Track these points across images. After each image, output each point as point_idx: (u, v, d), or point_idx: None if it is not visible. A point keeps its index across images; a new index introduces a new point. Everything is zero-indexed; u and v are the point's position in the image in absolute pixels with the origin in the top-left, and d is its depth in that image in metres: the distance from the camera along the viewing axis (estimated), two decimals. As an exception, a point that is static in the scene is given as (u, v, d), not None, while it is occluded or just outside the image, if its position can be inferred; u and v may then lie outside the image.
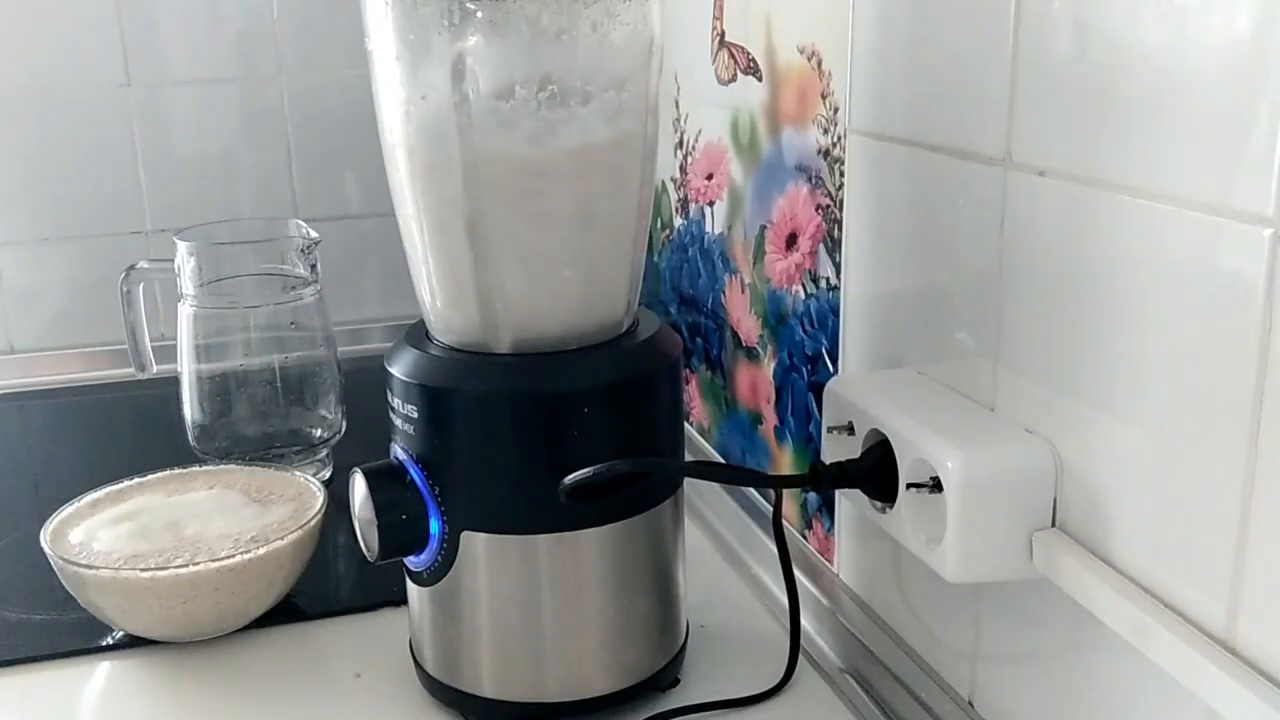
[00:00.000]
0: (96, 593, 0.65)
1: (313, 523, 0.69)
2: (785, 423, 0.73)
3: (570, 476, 0.53)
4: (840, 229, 0.64)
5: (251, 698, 0.64)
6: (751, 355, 0.77)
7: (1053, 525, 0.48)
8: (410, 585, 0.61)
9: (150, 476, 0.76)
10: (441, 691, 0.60)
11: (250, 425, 0.86)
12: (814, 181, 0.66)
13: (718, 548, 0.79)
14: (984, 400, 0.52)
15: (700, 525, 0.82)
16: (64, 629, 0.69)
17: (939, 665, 0.58)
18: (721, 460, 0.84)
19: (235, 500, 0.73)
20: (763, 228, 0.74)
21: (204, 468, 0.77)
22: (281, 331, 0.85)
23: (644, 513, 0.58)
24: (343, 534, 0.75)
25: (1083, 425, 0.46)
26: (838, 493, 0.65)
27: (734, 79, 0.76)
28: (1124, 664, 0.45)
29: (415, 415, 0.56)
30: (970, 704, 0.56)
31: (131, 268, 0.88)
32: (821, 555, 0.70)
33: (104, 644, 0.68)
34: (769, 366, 0.75)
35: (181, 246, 0.84)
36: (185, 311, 0.85)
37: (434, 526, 0.57)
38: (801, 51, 0.66)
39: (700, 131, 0.83)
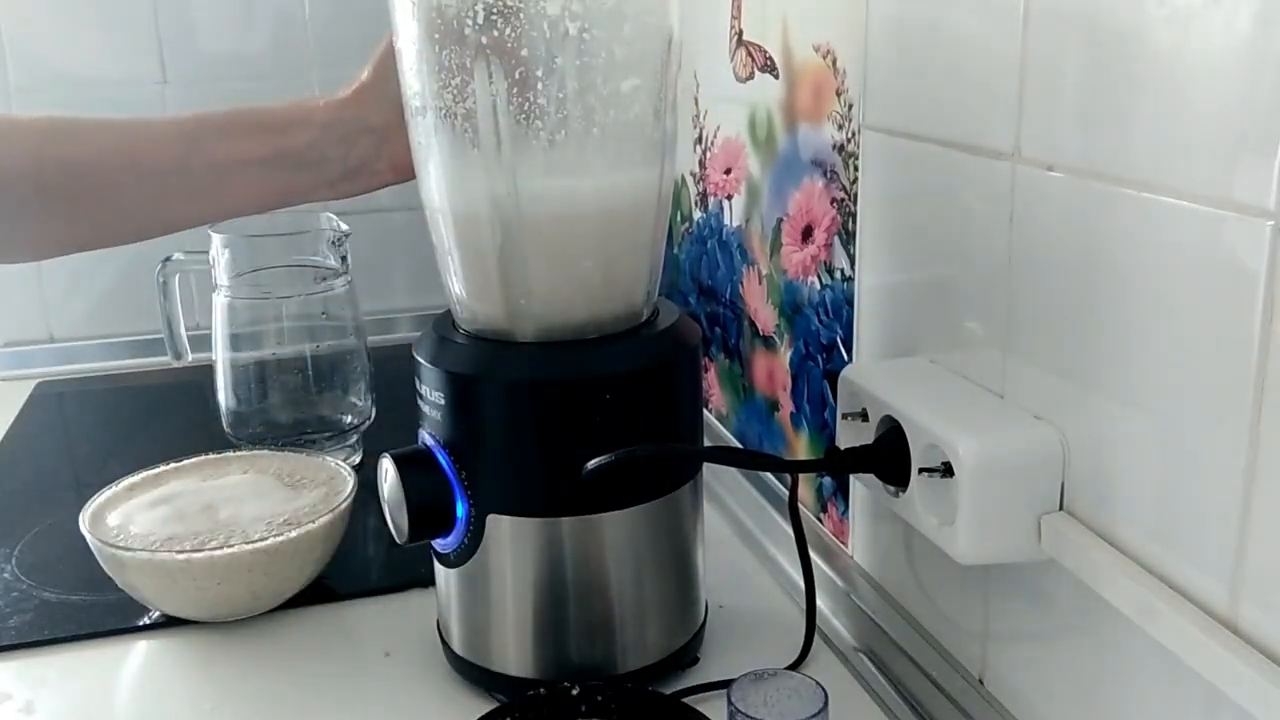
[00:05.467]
0: (134, 574, 0.66)
1: (343, 506, 0.70)
2: (801, 409, 0.74)
3: (592, 461, 0.54)
4: (854, 222, 0.64)
5: (284, 675, 0.64)
6: (768, 344, 0.78)
7: (1060, 508, 0.48)
8: (437, 566, 0.62)
9: (186, 462, 0.76)
10: (468, 669, 0.61)
11: (283, 412, 0.87)
12: (829, 176, 0.67)
13: (736, 530, 0.80)
14: (994, 388, 0.52)
15: (719, 509, 0.82)
16: (102, 609, 0.70)
17: (950, 644, 0.59)
18: (739, 446, 0.85)
19: (268, 484, 0.73)
20: (779, 220, 0.74)
21: (238, 453, 0.78)
22: (313, 321, 0.86)
23: (664, 496, 0.59)
24: (372, 517, 0.75)
25: (1089, 412, 0.46)
26: (852, 477, 0.65)
27: (752, 77, 0.76)
28: (1129, 643, 0.45)
29: (442, 402, 0.57)
30: (980, 681, 0.56)
31: (168, 259, 0.88)
32: (836, 538, 0.71)
33: (141, 624, 0.69)
34: (785, 355, 0.75)
35: (216, 239, 0.85)
36: (220, 302, 0.85)
37: (460, 509, 0.58)
38: (817, 50, 0.66)
39: (719, 127, 0.83)
